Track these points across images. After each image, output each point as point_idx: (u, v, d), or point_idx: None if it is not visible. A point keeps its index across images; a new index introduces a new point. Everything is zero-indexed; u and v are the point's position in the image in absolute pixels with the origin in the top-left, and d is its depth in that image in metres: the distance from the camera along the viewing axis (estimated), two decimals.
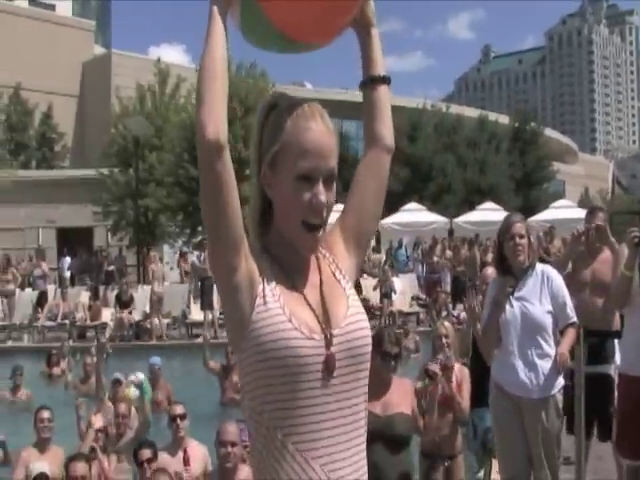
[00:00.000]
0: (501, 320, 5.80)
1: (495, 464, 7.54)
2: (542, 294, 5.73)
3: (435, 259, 25.25)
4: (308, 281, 2.31)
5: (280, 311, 2.16)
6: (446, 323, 7.23)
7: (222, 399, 13.23)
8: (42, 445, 8.72)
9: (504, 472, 6.08)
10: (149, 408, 8.88)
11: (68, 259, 31.42)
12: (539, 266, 5.92)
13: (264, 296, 2.18)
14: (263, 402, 2.16)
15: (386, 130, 2.51)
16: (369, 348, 2.29)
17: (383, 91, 2.51)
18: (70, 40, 68.00)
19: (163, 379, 12.92)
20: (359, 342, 2.25)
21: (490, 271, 8.68)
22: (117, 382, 10.85)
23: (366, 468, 2.28)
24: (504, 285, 5.85)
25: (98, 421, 8.69)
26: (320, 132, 2.20)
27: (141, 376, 9.47)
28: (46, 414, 8.80)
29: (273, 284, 2.22)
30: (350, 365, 2.22)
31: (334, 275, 2.36)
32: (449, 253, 26.38)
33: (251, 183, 2.33)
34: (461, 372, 7.10)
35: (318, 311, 2.23)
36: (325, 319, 2.22)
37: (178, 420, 7.94)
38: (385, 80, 2.51)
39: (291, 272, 2.27)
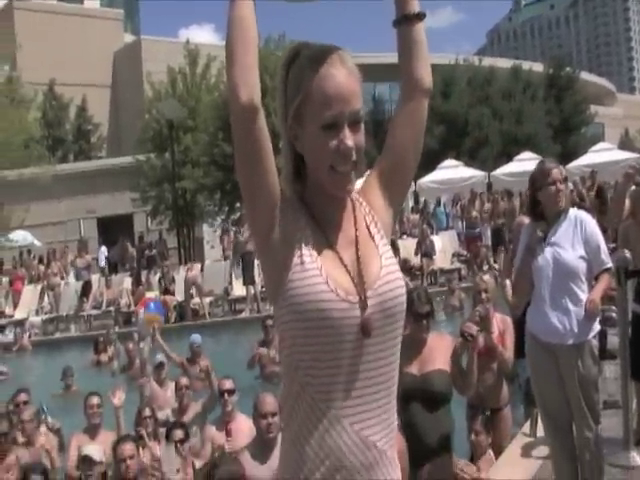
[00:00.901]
0: (533, 266, 5.71)
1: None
2: (575, 239, 5.59)
3: (474, 214, 25.04)
4: (344, 237, 2.31)
5: (317, 272, 2.18)
6: (485, 277, 7.15)
7: (262, 373, 13.26)
8: (92, 431, 8.91)
9: (544, 421, 6.00)
10: (216, 383, 8.94)
11: (104, 249, 31.71)
12: (572, 211, 5.76)
13: (301, 255, 2.21)
14: (298, 359, 2.19)
15: (423, 71, 2.44)
16: (403, 307, 2.30)
17: (418, 29, 2.42)
18: (100, 31, 68.61)
19: (204, 356, 12.98)
20: (392, 302, 2.26)
21: (524, 219, 8.59)
22: (160, 365, 10.98)
23: (395, 427, 2.31)
24: (536, 230, 5.75)
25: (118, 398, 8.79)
26: (341, 77, 2.19)
27: None
28: (95, 400, 8.98)
29: (310, 243, 2.24)
30: (383, 326, 2.23)
31: (369, 229, 2.36)
32: (488, 206, 26.18)
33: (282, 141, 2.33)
34: (504, 323, 7.04)
35: (353, 271, 2.24)
36: (359, 280, 2.23)
37: (226, 395, 8.18)
38: (420, 17, 2.41)
39: (328, 227, 2.29)
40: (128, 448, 7.08)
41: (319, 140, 2.16)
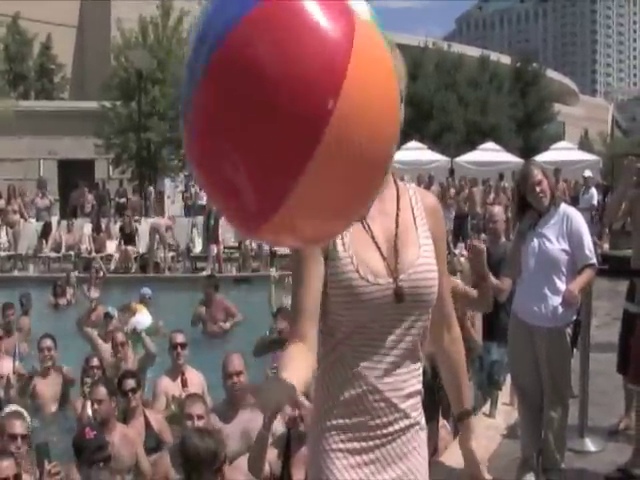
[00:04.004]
0: (523, 252, 6.08)
1: (500, 396, 7.87)
2: (560, 233, 5.92)
3: None
4: (385, 217, 2.49)
5: (349, 261, 2.39)
6: (462, 259, 7.35)
7: (204, 330, 13.68)
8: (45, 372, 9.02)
9: (517, 396, 6.51)
10: (149, 340, 9.10)
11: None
12: (563, 206, 6.08)
13: (335, 244, 2.40)
14: (337, 327, 2.45)
15: None
16: (432, 299, 2.48)
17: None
18: None
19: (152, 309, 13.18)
20: (423, 290, 2.44)
21: (497, 209, 8.84)
22: (108, 316, 10.89)
23: (419, 396, 2.56)
24: (527, 219, 6.11)
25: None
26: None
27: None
28: (48, 342, 8.99)
29: None
30: (411, 309, 2.44)
31: (415, 220, 2.53)
32: (452, 192, 26.27)
33: None
34: None
35: (388, 255, 2.43)
36: (394, 264, 2.42)
37: (179, 348, 8.25)
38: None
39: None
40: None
41: None
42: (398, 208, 2.50)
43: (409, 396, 2.48)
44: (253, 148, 1.60)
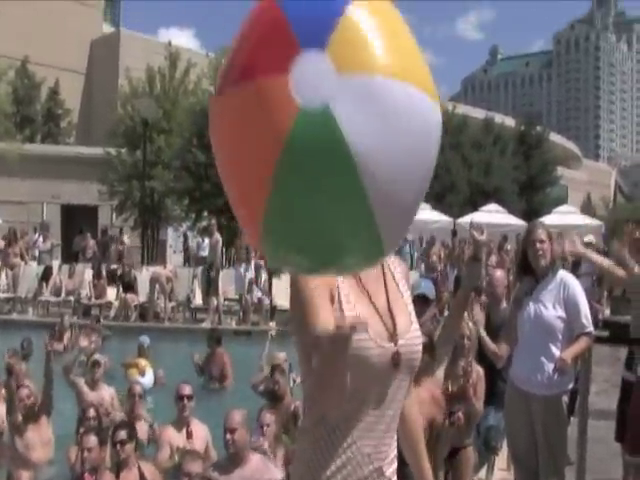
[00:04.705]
0: (519, 318, 6.06)
1: (497, 461, 7.80)
2: (556, 299, 5.91)
3: (434, 258, 25.03)
4: (377, 288, 2.52)
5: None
6: (470, 324, 7.27)
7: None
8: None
9: (513, 462, 6.48)
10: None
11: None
12: (560, 272, 6.07)
13: (340, 302, 2.40)
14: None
15: None
16: (419, 360, 2.55)
17: None
18: (79, 16, 67.86)
19: (151, 359, 13.27)
20: (415, 355, 2.51)
21: (499, 274, 8.77)
22: (96, 364, 10.19)
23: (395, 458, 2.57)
24: (524, 285, 6.11)
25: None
26: None
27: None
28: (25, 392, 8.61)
29: (346, 289, 2.41)
30: (404, 371, 2.47)
31: (398, 286, 2.59)
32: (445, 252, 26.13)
33: None
34: (477, 373, 7.16)
35: (386, 320, 2.45)
36: (393, 330, 2.45)
37: (185, 400, 8.22)
38: None
39: (363, 277, 2.47)
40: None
41: None
42: (383, 273, 2.54)
43: (392, 462, 2.52)
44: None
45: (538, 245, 5.93)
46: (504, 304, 8.05)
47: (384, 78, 1.76)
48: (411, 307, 2.57)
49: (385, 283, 2.52)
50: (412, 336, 2.48)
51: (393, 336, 2.42)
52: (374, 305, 2.44)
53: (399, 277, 2.60)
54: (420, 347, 2.51)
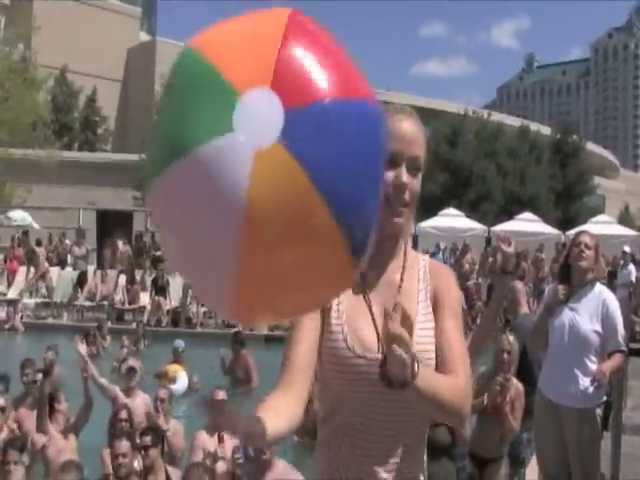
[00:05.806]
0: (550, 326, 5.96)
1: (526, 475, 7.65)
2: (594, 314, 5.83)
3: (466, 266, 24.82)
4: (386, 284, 2.41)
5: (339, 328, 2.32)
6: (511, 338, 7.09)
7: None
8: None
9: (544, 475, 6.29)
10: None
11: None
12: (599, 286, 6.00)
13: (329, 309, 2.34)
14: (333, 404, 2.39)
15: None
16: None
17: None
18: (116, 26, 68.77)
19: (186, 363, 13.40)
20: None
21: (520, 286, 8.62)
22: (132, 371, 10.12)
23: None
24: (559, 291, 5.98)
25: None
26: (407, 123, 2.33)
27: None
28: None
29: (342, 297, 2.30)
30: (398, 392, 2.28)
31: (418, 293, 2.44)
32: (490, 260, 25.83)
33: None
34: (516, 390, 6.96)
35: (382, 328, 2.22)
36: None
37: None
38: None
39: (370, 271, 2.30)
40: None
41: None
42: (401, 280, 2.42)
43: (395, 471, 2.38)
44: None
45: (583, 247, 5.87)
46: (526, 309, 8.01)
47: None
48: (424, 318, 2.38)
49: (400, 287, 2.40)
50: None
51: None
52: (371, 312, 2.33)
53: (424, 284, 2.44)
54: (422, 357, 2.26)
